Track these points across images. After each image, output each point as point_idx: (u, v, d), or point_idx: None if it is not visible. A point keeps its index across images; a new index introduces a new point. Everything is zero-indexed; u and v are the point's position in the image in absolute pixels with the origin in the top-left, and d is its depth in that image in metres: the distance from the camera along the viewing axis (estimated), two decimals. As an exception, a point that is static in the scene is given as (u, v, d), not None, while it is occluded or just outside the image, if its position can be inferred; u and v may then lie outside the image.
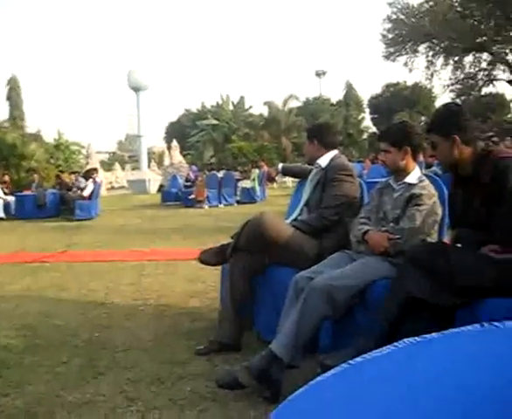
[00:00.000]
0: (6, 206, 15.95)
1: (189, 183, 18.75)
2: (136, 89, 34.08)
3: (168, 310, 4.53)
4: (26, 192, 16.43)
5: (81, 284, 5.74)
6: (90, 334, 3.96)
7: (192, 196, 16.69)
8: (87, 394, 2.91)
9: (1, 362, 3.46)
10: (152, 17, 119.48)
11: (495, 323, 1.06)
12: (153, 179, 29.66)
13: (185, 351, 3.45)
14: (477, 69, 35.95)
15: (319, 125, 4.25)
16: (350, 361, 1.00)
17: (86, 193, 14.71)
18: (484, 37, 33.71)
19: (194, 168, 23.11)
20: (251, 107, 47.78)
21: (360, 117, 50.35)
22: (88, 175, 16.02)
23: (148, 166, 35.95)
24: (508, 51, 35.02)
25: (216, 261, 3.61)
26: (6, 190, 16.73)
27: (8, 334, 4.07)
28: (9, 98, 38.16)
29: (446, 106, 2.94)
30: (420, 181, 3.07)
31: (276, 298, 3.18)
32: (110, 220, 13.68)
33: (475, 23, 33.98)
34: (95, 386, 3.00)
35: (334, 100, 50.49)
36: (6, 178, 18.10)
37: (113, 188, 33.18)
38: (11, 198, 16.14)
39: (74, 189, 15.25)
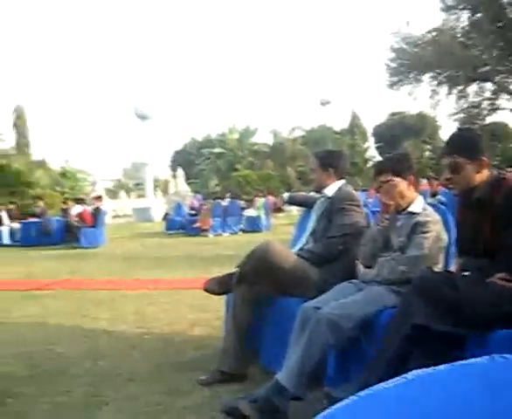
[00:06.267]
0: (12, 233, 16.07)
1: (193, 212, 18.77)
2: (142, 117, 34.32)
3: (172, 339, 4.50)
4: (32, 219, 16.50)
5: (85, 312, 5.72)
6: (93, 363, 3.93)
7: (197, 225, 16.69)
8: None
9: (3, 391, 3.44)
10: (159, 45, 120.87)
11: (505, 355, 1.04)
12: (158, 207, 29.72)
13: (189, 381, 3.41)
14: (481, 98, 36.12)
15: (335, 152, 4.01)
16: (357, 394, 0.98)
17: (72, 212, 15.07)
18: (487, 67, 33.96)
19: (199, 196, 23.20)
20: (255, 133, 47.93)
21: (365, 146, 50.54)
22: (79, 200, 16.41)
23: (154, 194, 36.02)
24: (511, 80, 35.23)
25: (221, 290, 3.59)
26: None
27: (10, 362, 4.06)
28: (15, 126, 38.57)
29: (468, 129, 2.90)
30: (424, 209, 3.05)
31: (282, 329, 3.14)
32: (115, 248, 13.69)
33: (478, 53, 34.28)
34: (99, 417, 2.97)
35: (337, 129, 50.66)
36: (12, 205, 18.19)
37: (118, 216, 33.25)
38: (17, 225, 16.24)
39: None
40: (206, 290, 3.62)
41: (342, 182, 3.74)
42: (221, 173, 44.21)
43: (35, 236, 15.49)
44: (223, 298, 3.82)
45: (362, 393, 0.97)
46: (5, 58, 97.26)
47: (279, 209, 22.67)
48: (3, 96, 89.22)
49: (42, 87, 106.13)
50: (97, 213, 14.87)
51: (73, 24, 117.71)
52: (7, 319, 5.56)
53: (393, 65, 36.47)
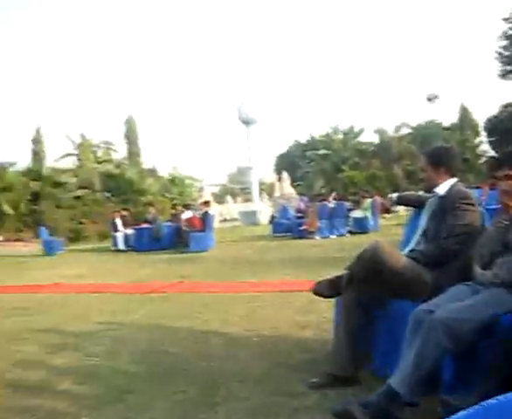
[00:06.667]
0: (126, 238, 16.91)
1: (300, 214, 18.77)
2: (246, 122, 34.88)
3: (281, 341, 4.52)
4: (144, 225, 17.25)
5: (196, 314, 5.88)
6: (206, 364, 4.03)
7: (304, 227, 16.67)
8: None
9: (123, 388, 3.62)
10: (261, 51, 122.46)
11: None
12: (264, 210, 30.08)
13: (299, 383, 3.41)
14: None
15: (446, 149, 3.78)
16: (480, 404, 0.93)
17: (183, 217, 15.80)
18: None
19: (305, 198, 23.13)
20: (360, 134, 47.30)
21: (477, 141, 48.28)
22: (188, 205, 17.10)
23: (259, 197, 36.49)
24: None
25: (330, 293, 3.55)
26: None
27: (128, 361, 4.27)
28: (126, 136, 40.53)
29: None
30: None
31: (394, 332, 3.06)
32: (223, 252, 13.99)
33: None
34: (213, 416, 3.03)
35: (446, 124, 48.69)
36: (125, 212, 19.12)
37: (225, 220, 33.98)
38: (130, 231, 17.05)
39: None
40: (315, 292, 3.60)
41: (455, 180, 3.56)
42: (326, 174, 44.01)
43: (147, 242, 16.21)
44: (331, 300, 3.78)
45: (485, 403, 0.92)
46: (116, 73, 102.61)
47: (387, 210, 22.18)
48: (116, 109, 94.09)
49: (150, 97, 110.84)
50: (205, 218, 15.29)
51: (179, 34, 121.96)
52: (125, 320, 5.85)
53: (506, 52, 34.59)
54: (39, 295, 8.30)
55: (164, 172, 39.51)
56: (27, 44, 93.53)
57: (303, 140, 53.26)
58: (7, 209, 24.61)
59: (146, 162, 40.63)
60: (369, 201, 18.11)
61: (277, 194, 35.50)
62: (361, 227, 16.99)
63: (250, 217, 29.40)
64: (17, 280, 10.64)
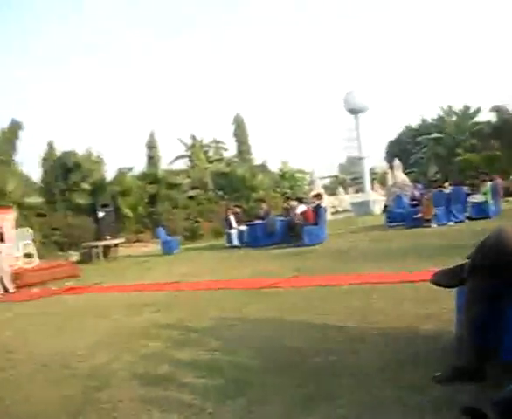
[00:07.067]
0: (240, 235, 17.25)
1: (414, 202, 18.20)
2: (355, 111, 34.45)
3: (400, 333, 4.42)
4: (256, 221, 17.50)
5: (312, 308, 5.88)
6: (324, 358, 4.02)
7: (419, 215, 16.15)
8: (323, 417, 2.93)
9: (243, 381, 3.71)
10: (365, 36, 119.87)
11: None
12: (376, 200, 29.55)
13: (422, 376, 3.31)
14: None
15: None
16: None
17: (298, 211, 15.71)
18: None
19: (419, 185, 22.39)
20: (477, 114, 44.90)
21: None
22: (300, 199, 17.16)
23: (371, 187, 35.87)
24: None
25: (450, 283, 3.40)
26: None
27: (247, 355, 4.37)
28: (235, 134, 41.18)
29: None
30: None
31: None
32: (336, 244, 13.87)
33: None
34: (332, 410, 3.02)
35: None
36: (238, 209, 19.51)
37: (337, 211, 33.76)
38: (244, 227, 17.38)
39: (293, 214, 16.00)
40: (434, 283, 3.47)
41: None
42: (440, 159, 42.34)
43: (260, 237, 16.43)
44: (450, 290, 3.63)
45: None
46: (223, 73, 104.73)
47: (510, 193, 20.94)
48: (224, 107, 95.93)
49: (258, 93, 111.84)
50: (318, 210, 15.24)
51: (283, 27, 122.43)
52: (243, 315, 5.98)
53: None
54: (161, 293, 8.68)
55: (274, 167, 39.85)
56: (137, 52, 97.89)
57: (414, 125, 51.60)
58: (127, 212, 25.90)
59: (256, 158, 41.15)
60: (488, 184, 17.16)
61: (390, 182, 34.64)
62: (481, 212, 16.12)
63: (362, 208, 29.01)
64: (141, 279, 11.20)
